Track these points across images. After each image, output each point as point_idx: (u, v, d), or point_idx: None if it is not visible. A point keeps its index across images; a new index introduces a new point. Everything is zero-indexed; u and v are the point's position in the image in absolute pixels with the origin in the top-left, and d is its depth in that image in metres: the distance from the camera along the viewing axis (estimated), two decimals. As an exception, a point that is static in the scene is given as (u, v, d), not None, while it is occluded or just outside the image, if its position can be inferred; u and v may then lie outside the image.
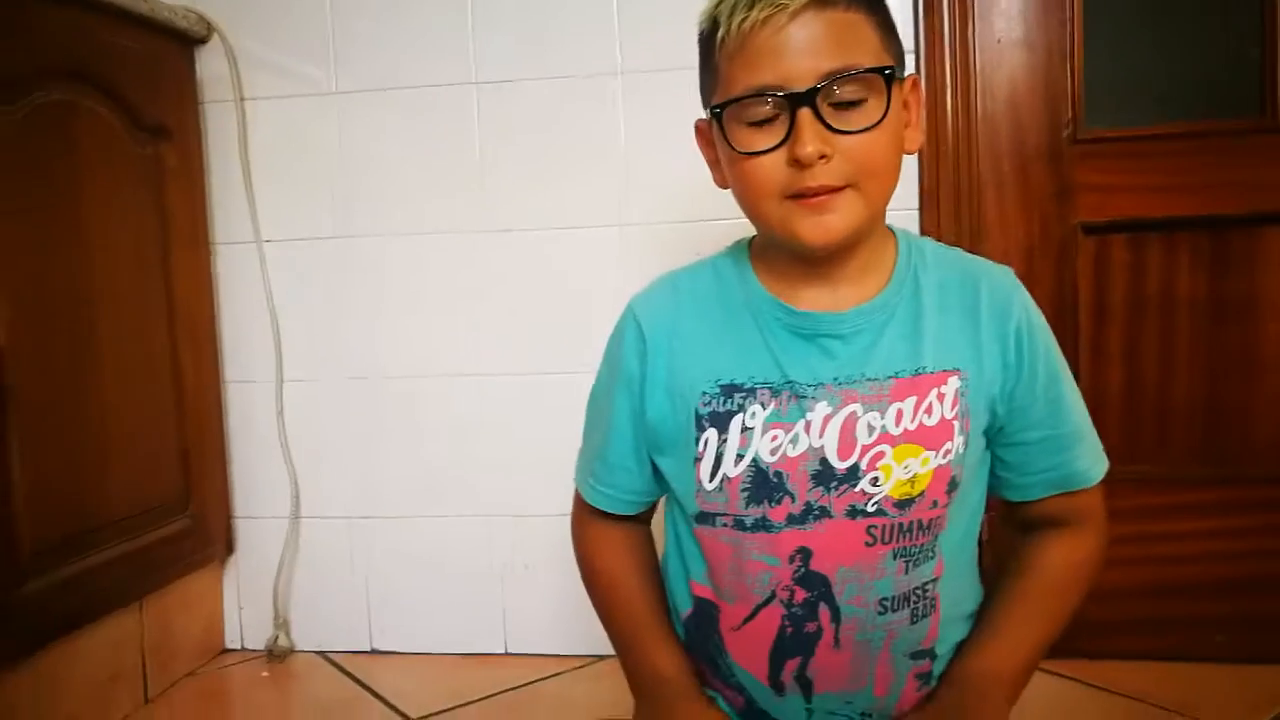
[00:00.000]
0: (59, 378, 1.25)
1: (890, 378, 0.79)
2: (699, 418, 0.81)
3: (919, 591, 0.81)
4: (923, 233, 1.42)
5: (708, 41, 0.78)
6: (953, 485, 0.80)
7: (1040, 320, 0.84)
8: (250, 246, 1.56)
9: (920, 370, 0.79)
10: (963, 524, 0.84)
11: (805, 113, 0.71)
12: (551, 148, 1.47)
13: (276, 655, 1.56)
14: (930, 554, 0.81)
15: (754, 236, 0.86)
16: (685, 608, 0.88)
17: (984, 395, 0.80)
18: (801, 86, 0.71)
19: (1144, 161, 1.39)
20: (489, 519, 1.53)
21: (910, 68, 1.40)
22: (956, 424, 0.79)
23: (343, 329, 1.55)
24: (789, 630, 0.81)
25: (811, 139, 0.71)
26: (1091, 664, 1.39)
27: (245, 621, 1.60)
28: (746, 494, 0.80)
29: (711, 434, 0.80)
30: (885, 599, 0.80)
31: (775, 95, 0.72)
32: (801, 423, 0.78)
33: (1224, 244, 1.40)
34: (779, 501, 0.79)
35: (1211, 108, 1.41)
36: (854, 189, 0.74)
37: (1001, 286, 0.82)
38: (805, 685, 0.82)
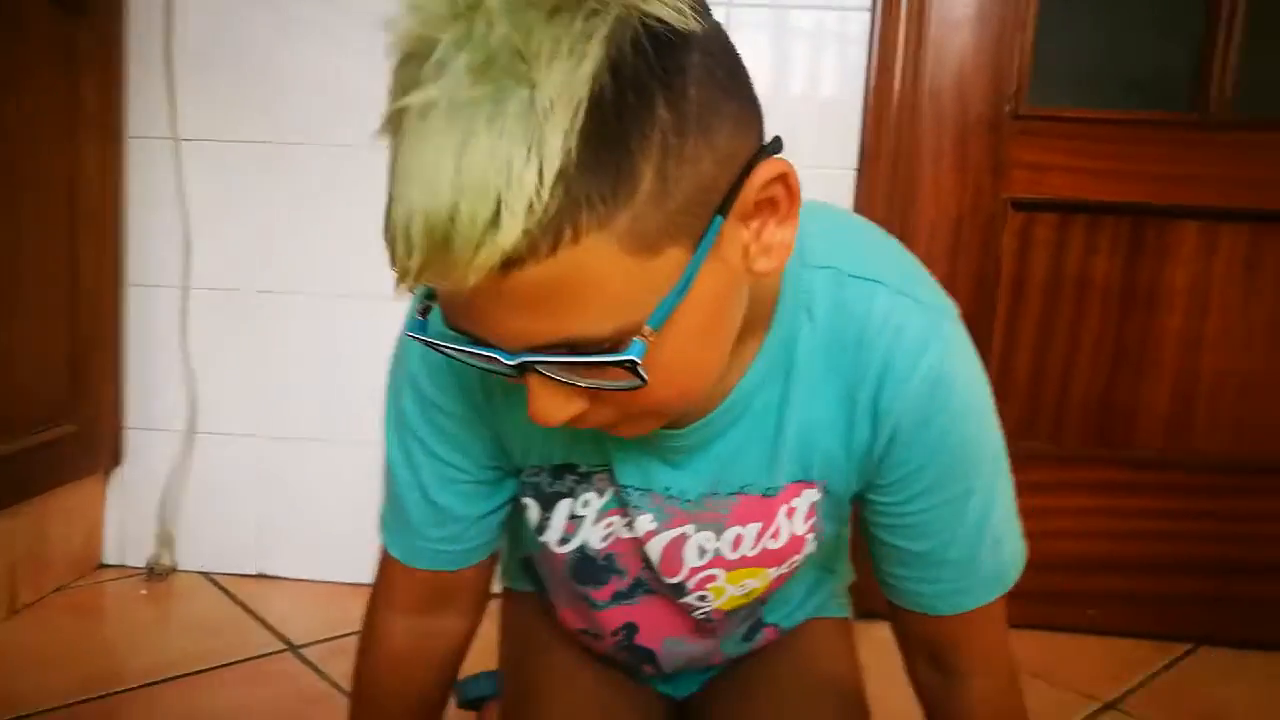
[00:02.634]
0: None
1: (733, 494, 0.63)
2: (523, 484, 0.68)
3: (748, 617, 0.77)
4: (857, 195, 1.42)
5: None
6: (812, 547, 0.69)
7: (952, 410, 0.59)
8: (166, 143, 1.47)
9: (770, 490, 0.63)
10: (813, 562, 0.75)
11: (532, 378, 0.48)
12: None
13: (157, 574, 1.48)
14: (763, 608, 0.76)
15: None
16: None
17: (847, 494, 0.65)
18: (509, 351, 0.46)
19: (1079, 144, 1.42)
20: (381, 448, 1.47)
21: (865, 31, 1.41)
22: (810, 537, 0.66)
23: (258, 239, 1.48)
24: (623, 656, 0.77)
25: (547, 408, 0.49)
26: None
27: (127, 536, 1.52)
28: (570, 571, 0.71)
29: (532, 504, 0.68)
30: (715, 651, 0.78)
31: (480, 353, 0.47)
32: (630, 513, 0.66)
33: (1140, 233, 1.44)
34: (605, 582, 0.70)
35: (1148, 99, 1.45)
36: (648, 416, 0.54)
37: (894, 367, 0.58)
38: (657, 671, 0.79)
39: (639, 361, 0.45)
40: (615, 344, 0.45)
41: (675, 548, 0.66)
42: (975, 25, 1.43)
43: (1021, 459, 1.42)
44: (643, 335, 0.45)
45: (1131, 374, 1.47)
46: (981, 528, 0.62)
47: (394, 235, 0.43)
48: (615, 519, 0.66)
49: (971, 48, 1.43)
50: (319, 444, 1.49)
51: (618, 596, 0.70)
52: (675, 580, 0.67)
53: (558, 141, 0.40)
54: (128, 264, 1.50)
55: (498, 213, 0.40)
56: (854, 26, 1.42)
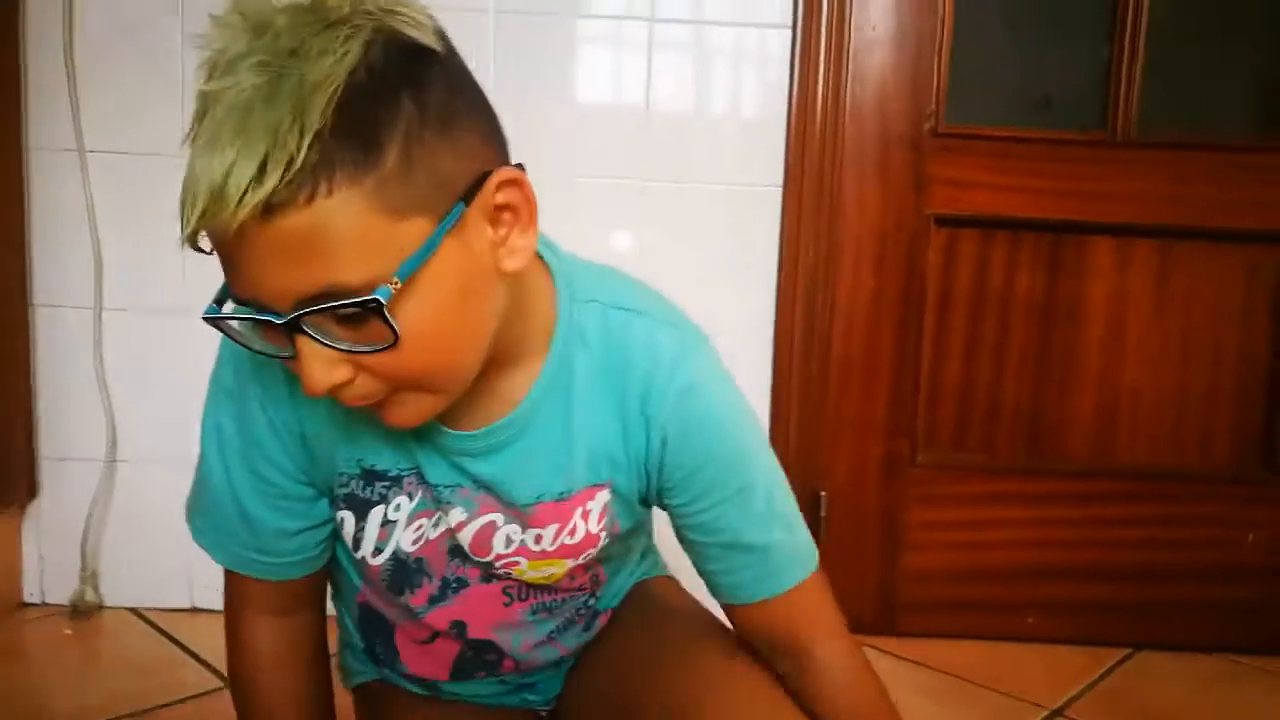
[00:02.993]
0: None
1: (532, 504, 0.70)
2: (334, 499, 0.72)
3: (582, 610, 0.82)
4: (783, 212, 1.44)
5: None
6: (593, 565, 0.78)
7: (709, 414, 0.69)
8: (71, 155, 1.40)
9: (564, 494, 0.70)
10: (625, 555, 0.85)
11: (301, 343, 0.54)
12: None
13: (82, 611, 1.43)
14: (581, 598, 0.82)
15: None
16: (353, 615, 0.84)
17: (635, 494, 0.73)
18: (280, 311, 0.54)
19: (997, 160, 1.47)
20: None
21: (785, 48, 1.42)
22: (603, 534, 0.73)
23: (172, 257, 1.42)
24: (469, 654, 0.81)
25: (315, 371, 0.55)
26: (908, 641, 1.49)
27: (47, 573, 1.46)
28: (386, 583, 0.75)
29: (348, 516, 0.72)
30: (551, 632, 0.81)
31: (255, 318, 0.55)
32: (441, 509, 0.72)
33: (1059, 248, 1.50)
34: (419, 586, 0.75)
35: (1062, 117, 1.50)
36: (410, 391, 0.59)
37: (654, 380, 0.68)
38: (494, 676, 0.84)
39: (384, 303, 0.52)
40: (367, 292, 0.52)
41: (485, 534, 0.72)
42: (893, 44, 1.46)
43: (955, 471, 1.52)
44: (391, 283, 0.53)
45: (1057, 386, 1.52)
46: (770, 516, 0.72)
47: (183, 197, 0.51)
48: (424, 521, 0.72)
49: (891, 66, 1.46)
50: (248, 469, 1.46)
51: (432, 600, 0.76)
52: (484, 560, 0.73)
53: (316, 112, 0.50)
54: (33, 283, 1.43)
55: (264, 164, 0.49)
56: (774, 45, 1.43)
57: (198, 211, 0.50)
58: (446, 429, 0.67)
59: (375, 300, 0.52)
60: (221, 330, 0.59)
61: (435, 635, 0.79)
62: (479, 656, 0.81)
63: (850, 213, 1.49)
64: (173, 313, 1.43)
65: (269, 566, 0.74)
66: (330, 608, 0.83)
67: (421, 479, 0.69)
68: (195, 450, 1.43)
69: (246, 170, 0.49)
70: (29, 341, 1.43)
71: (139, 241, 1.42)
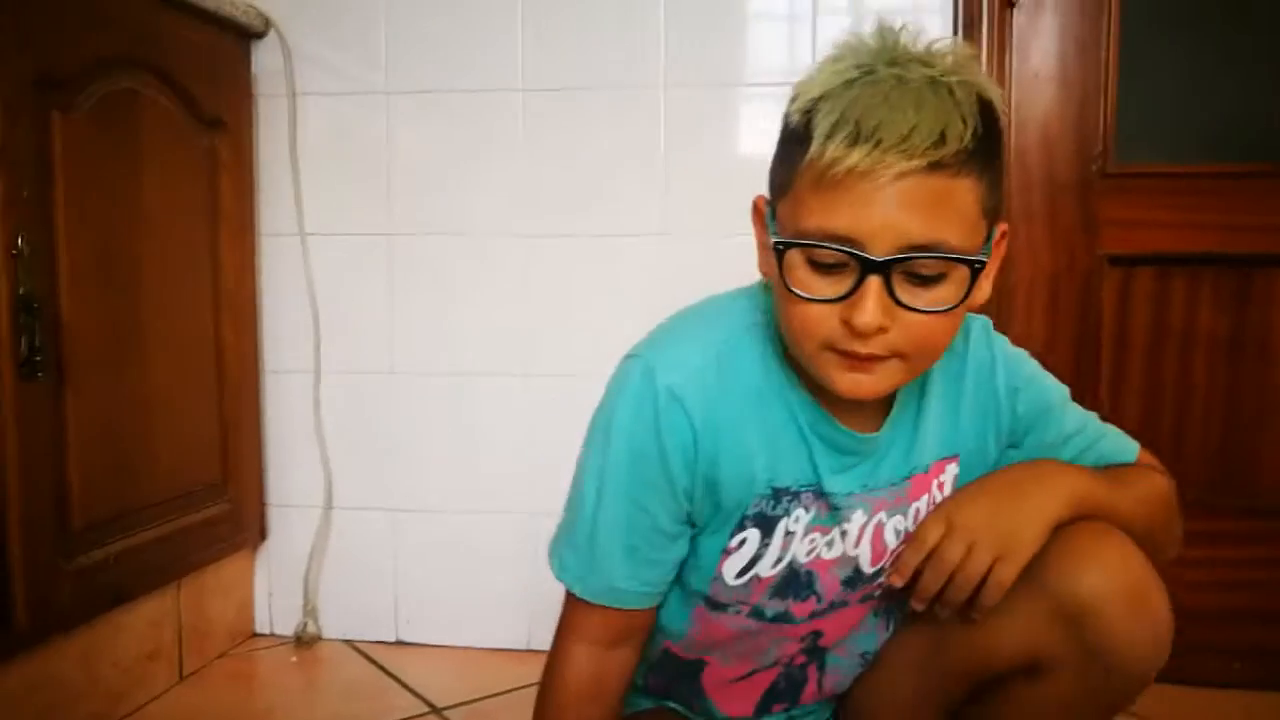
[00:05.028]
0: (113, 356, 1.28)
1: (906, 478, 0.79)
2: (744, 517, 0.76)
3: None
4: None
5: (792, 140, 0.68)
6: None
7: (1019, 364, 0.84)
8: (294, 239, 1.59)
9: (926, 467, 0.80)
10: None
11: (875, 281, 0.64)
12: (598, 158, 1.52)
13: (305, 642, 1.59)
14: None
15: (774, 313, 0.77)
16: (652, 656, 0.87)
17: (981, 466, 0.82)
18: (879, 253, 0.63)
19: (1169, 198, 1.44)
20: (517, 515, 1.57)
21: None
22: None
23: (381, 323, 1.59)
24: (781, 685, 0.86)
25: (874, 311, 0.64)
26: None
27: (275, 608, 1.63)
28: (773, 590, 0.79)
29: (753, 534, 0.76)
30: (866, 653, 0.88)
31: (848, 252, 0.64)
32: (838, 529, 0.78)
33: (1245, 282, 1.45)
34: (805, 599, 0.80)
35: (1235, 149, 1.46)
36: (901, 359, 0.68)
37: (977, 351, 0.82)
38: (787, 712, 0.88)
39: (985, 263, 0.67)
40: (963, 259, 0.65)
41: (878, 536, 0.79)
42: (1056, 85, 1.46)
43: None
44: (983, 255, 0.67)
45: (1249, 423, 1.46)
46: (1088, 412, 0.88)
47: (842, 134, 0.62)
48: (818, 536, 0.77)
49: (1056, 108, 1.47)
50: (447, 515, 1.59)
51: (814, 615, 0.81)
52: (879, 567, 0.80)
53: (974, 115, 0.64)
54: (264, 351, 1.62)
55: (944, 133, 0.62)
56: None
57: (876, 148, 0.61)
58: (861, 435, 0.76)
59: (980, 261, 0.66)
60: (782, 260, 0.67)
61: (763, 668, 0.84)
62: (791, 682, 0.85)
63: (1022, 258, 1.49)
64: (381, 374, 1.59)
65: (636, 596, 0.78)
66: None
67: (818, 494, 0.76)
68: (399, 498, 1.58)
69: (930, 132, 0.62)
70: (259, 403, 1.62)
71: (351, 312, 1.59)
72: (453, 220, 1.56)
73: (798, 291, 0.66)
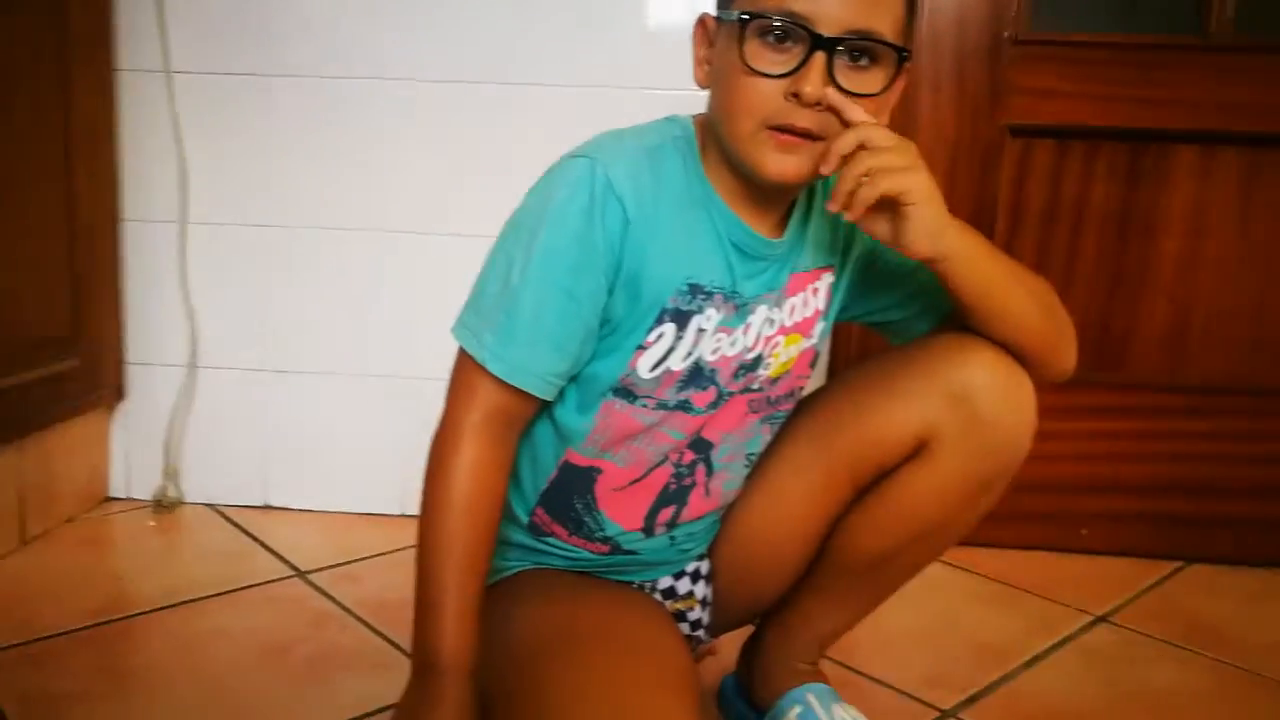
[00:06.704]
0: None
1: (789, 275, 0.85)
2: (663, 311, 0.80)
3: (746, 464, 0.92)
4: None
5: None
6: (814, 361, 0.91)
7: None
8: (159, 75, 1.46)
9: (805, 268, 0.86)
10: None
11: (821, 56, 0.72)
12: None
13: (165, 506, 1.50)
14: (775, 430, 0.92)
15: (693, 130, 0.82)
16: (544, 479, 0.87)
17: (845, 286, 0.89)
18: (827, 31, 0.72)
19: (1079, 69, 1.41)
20: (390, 379, 1.50)
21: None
22: (822, 315, 0.88)
23: (254, 172, 1.48)
24: (672, 486, 0.88)
25: (818, 82, 0.72)
26: (958, 549, 1.44)
27: (133, 470, 1.53)
28: (680, 384, 0.83)
29: (669, 329, 0.81)
30: (751, 454, 0.91)
31: (802, 28, 0.72)
32: (741, 327, 0.83)
33: (1139, 158, 1.44)
34: (705, 389, 0.84)
35: (1152, 21, 1.44)
36: (820, 143, 0.74)
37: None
38: (671, 524, 0.90)
39: (909, 55, 0.74)
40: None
41: (759, 329, 0.85)
42: (974, -51, 1.41)
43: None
44: (908, 51, 0.75)
45: (1128, 298, 1.48)
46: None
47: None
48: (723, 335, 0.82)
49: (971, -27, 1.42)
50: (320, 376, 1.51)
51: (710, 405, 0.85)
52: (756, 353, 0.85)
53: None
54: (124, 198, 1.50)
55: None
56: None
57: None
58: (769, 240, 0.82)
59: (907, 52, 0.74)
60: (744, 32, 0.72)
61: (656, 465, 0.86)
62: (680, 483, 0.87)
63: (925, 127, 1.45)
64: (253, 227, 1.48)
65: (545, 384, 0.78)
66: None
67: (728, 296, 0.81)
68: (270, 358, 1.49)
69: None
70: (118, 254, 1.50)
71: (222, 158, 1.48)
72: (336, 66, 1.45)
73: (752, 65, 0.73)
